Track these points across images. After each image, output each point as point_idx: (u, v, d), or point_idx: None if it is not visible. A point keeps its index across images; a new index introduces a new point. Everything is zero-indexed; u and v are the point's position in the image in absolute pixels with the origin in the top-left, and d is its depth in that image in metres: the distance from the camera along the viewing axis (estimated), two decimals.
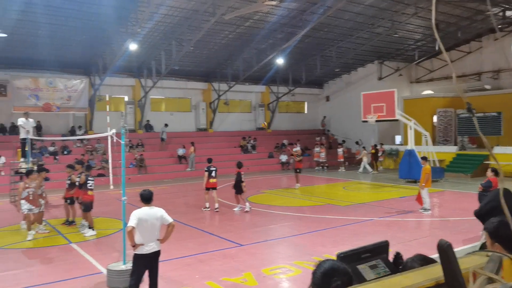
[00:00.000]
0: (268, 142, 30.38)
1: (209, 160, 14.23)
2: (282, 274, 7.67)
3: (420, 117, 23.13)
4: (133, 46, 20.17)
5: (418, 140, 21.06)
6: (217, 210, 13.67)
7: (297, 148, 27.61)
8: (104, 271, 7.52)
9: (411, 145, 20.16)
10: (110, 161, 8.77)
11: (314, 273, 2.12)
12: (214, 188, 13.84)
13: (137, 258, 5.83)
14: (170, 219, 6.01)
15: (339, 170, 26.45)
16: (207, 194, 13.90)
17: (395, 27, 23.32)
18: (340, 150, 27.18)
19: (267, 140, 30.87)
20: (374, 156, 26.20)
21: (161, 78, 25.33)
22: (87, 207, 10.82)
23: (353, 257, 2.56)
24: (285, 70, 28.99)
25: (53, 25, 19.62)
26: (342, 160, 26.88)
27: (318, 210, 13.80)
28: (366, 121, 20.98)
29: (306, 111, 35.59)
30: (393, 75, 29.85)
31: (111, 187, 8.68)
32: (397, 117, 20.04)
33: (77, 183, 11.47)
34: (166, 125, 26.93)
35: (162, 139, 26.71)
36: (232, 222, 12.28)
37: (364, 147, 26.73)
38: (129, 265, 7.20)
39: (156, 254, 5.92)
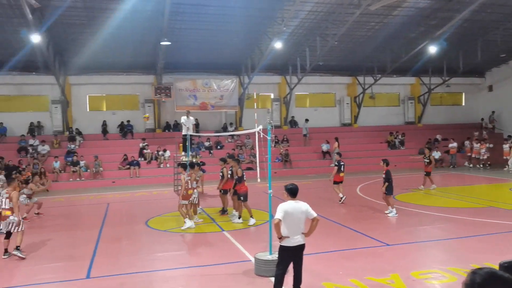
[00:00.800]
0: (418, 138, 28.37)
1: (340, 155, 14.87)
2: (434, 280, 7.06)
3: None
4: (278, 45, 20.83)
5: None
6: (342, 202, 14.18)
7: (453, 144, 25.27)
8: (252, 259, 7.94)
9: None
10: (257, 155, 9.19)
11: (470, 283, 1.85)
12: (341, 182, 14.37)
13: (283, 250, 5.98)
14: (314, 214, 6.02)
15: (505, 168, 23.26)
16: (337, 187, 14.41)
17: None
18: (506, 146, 23.87)
19: (417, 135, 28.88)
20: None
21: (305, 74, 25.65)
22: (245, 197, 11.59)
23: None
24: (438, 59, 26.62)
25: (208, 31, 21.47)
26: (508, 157, 23.60)
27: (478, 212, 12.35)
28: None
29: (463, 103, 32.25)
30: None
31: (258, 180, 9.09)
32: None
33: (228, 175, 12.41)
34: (306, 120, 27.32)
35: (305, 135, 27.12)
36: (378, 220, 11.78)
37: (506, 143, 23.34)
38: (275, 256, 7.47)
39: (301, 247, 6.00)
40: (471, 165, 24.91)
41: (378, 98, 30.16)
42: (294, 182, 6.46)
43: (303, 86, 27.69)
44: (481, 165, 24.33)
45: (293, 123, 28.51)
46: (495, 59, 28.09)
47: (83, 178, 21.77)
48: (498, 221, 11.09)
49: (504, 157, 23.71)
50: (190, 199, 11.41)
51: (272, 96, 28.58)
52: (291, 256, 6.00)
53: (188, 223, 11.18)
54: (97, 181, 21.74)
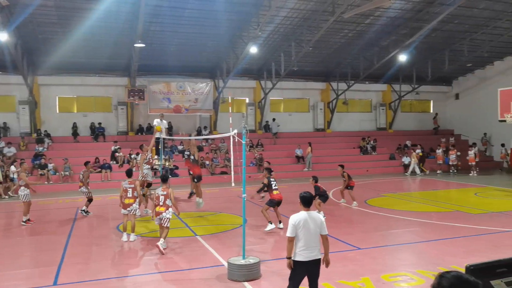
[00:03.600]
0: (389, 143, 29.01)
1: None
2: (403, 282, 7.23)
3: None
4: (253, 49, 20.93)
5: None
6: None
7: (418, 151, 25.90)
8: (225, 264, 7.91)
9: None
10: (232, 159, 9.19)
11: (438, 286, 1.91)
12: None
13: (296, 264, 5.48)
14: (326, 230, 5.58)
15: (470, 174, 24.07)
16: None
17: None
18: (471, 153, 24.72)
19: (388, 141, 29.50)
20: (421, 159, 25.39)
21: (280, 79, 25.83)
22: (271, 203, 11.21)
23: (485, 271, 2.28)
24: (408, 67, 27.38)
25: (184, 34, 21.37)
26: (473, 163, 24.42)
27: (446, 216, 12.71)
28: (504, 121, 18.74)
29: (431, 110, 33.16)
30: None
31: (233, 184, 9.07)
32: None
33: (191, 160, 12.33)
34: (274, 119, 27.97)
35: (274, 134, 27.66)
36: (350, 224, 11.97)
37: (413, 149, 26.18)
38: (248, 260, 7.50)
39: (317, 261, 5.50)
40: (438, 172, 25.44)
41: (351, 104, 30.65)
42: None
43: (277, 91, 27.85)
44: (455, 170, 25.09)
45: (268, 128, 28.66)
46: (461, 68, 29.05)
47: (51, 182, 21.20)
48: (464, 225, 11.46)
49: (469, 163, 24.50)
50: (128, 208, 10.27)
51: (247, 100, 28.63)
52: (305, 272, 5.48)
53: (125, 236, 10.36)
54: (66, 184, 21.16)
